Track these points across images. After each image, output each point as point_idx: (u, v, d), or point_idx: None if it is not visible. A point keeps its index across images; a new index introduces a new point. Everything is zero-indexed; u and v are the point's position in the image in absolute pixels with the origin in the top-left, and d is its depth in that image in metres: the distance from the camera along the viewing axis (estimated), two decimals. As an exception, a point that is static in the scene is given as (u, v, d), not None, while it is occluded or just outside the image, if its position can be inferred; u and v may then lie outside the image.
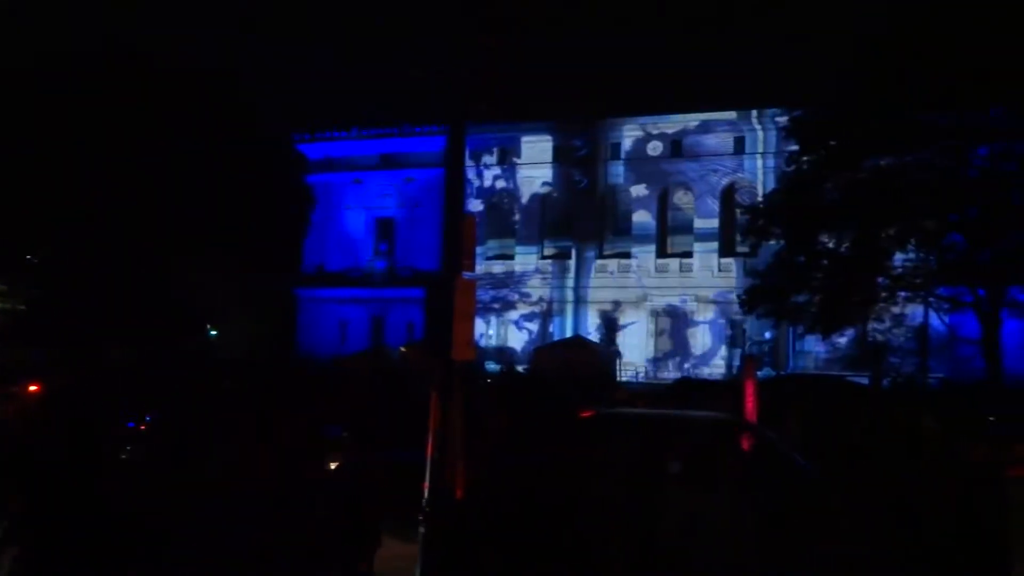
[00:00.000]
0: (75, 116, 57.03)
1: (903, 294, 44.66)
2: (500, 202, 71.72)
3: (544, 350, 58.78)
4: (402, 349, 53.59)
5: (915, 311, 49.59)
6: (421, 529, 10.84)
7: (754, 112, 63.43)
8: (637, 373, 61.99)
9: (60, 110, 57.25)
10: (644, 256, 67.22)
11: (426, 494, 10.81)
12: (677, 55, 72.81)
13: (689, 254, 66.60)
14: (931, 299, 45.60)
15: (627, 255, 68.08)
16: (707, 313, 64.89)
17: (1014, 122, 40.04)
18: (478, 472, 11.73)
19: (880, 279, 43.21)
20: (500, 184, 71.11)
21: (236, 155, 62.88)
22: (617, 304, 67.14)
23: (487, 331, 67.63)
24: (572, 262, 68.95)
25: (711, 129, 65.74)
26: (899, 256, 43.90)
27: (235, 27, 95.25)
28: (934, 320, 48.24)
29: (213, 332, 68.93)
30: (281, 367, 44.64)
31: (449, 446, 10.73)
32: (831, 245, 44.28)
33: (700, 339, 64.98)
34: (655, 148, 67.24)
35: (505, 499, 11.47)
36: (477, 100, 11.99)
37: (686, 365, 62.76)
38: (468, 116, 11.98)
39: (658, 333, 66.50)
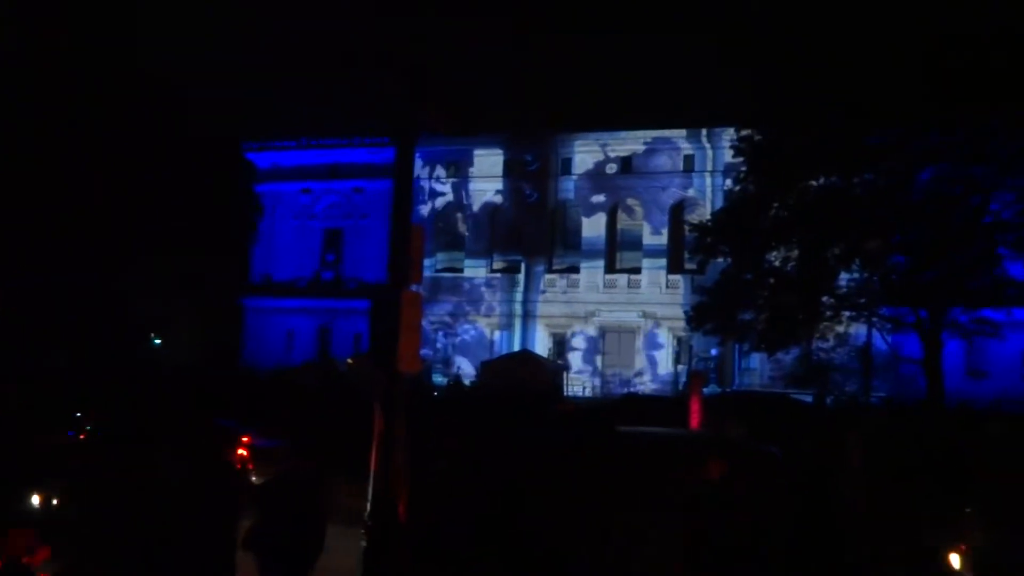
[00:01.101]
0: (16, 118, 56.17)
1: (847, 313, 45.13)
2: (450, 214, 71.65)
3: (491, 364, 58.73)
4: (349, 361, 53.32)
5: (859, 331, 50.21)
6: (363, 542, 10.76)
7: (703, 130, 64.03)
8: (584, 388, 62.13)
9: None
10: (593, 271, 67.49)
11: (368, 506, 10.73)
12: (629, 72, 73.29)
13: (637, 270, 66.96)
14: (874, 319, 46.12)
15: (576, 270, 68.32)
16: (654, 329, 65.26)
17: (957, 146, 40.65)
18: (427, 489, 11.68)
19: (824, 298, 43.66)
20: (450, 196, 71.05)
21: (184, 162, 62.28)
22: (565, 319, 67.33)
23: (435, 343, 67.50)
24: (521, 276, 69.03)
25: (661, 147, 66.22)
26: (844, 276, 44.36)
27: (183, 34, 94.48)
28: (877, 340, 48.80)
29: (157, 341, 68.15)
30: (221, 379, 44.29)
31: (393, 458, 10.66)
32: (777, 263, 44.68)
33: (647, 355, 65.32)
34: (605, 164, 67.63)
35: (456, 517, 11.39)
36: (426, 111, 11.97)
37: (633, 380, 63.05)
38: (417, 127, 11.95)
39: (605, 348, 66.74)
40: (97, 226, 57.24)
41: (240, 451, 19.06)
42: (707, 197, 64.04)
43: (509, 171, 69.69)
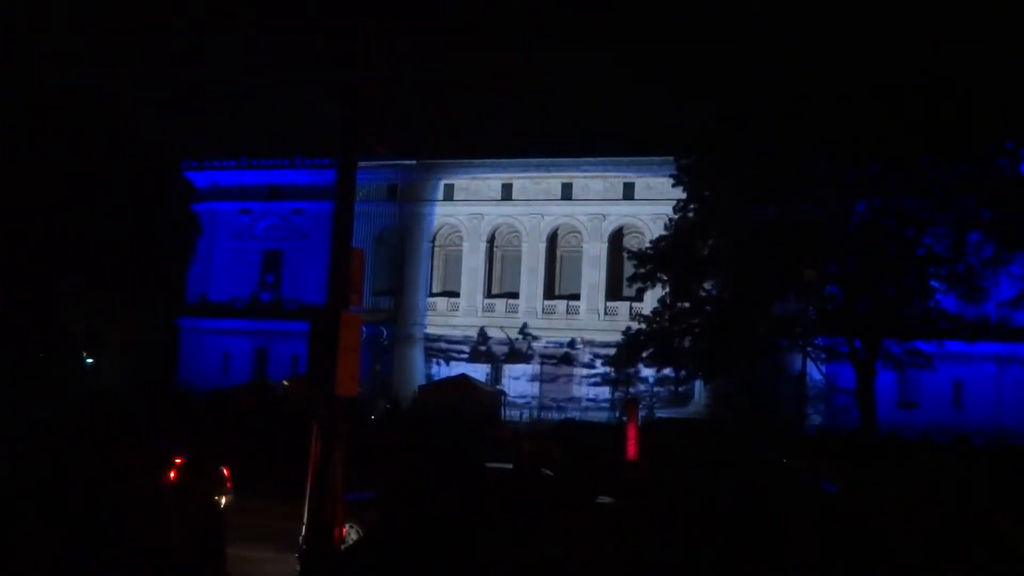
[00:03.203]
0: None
1: (783, 342, 45.58)
2: (390, 238, 71.31)
3: (430, 388, 58.50)
4: (285, 383, 52.84)
5: (795, 359, 50.73)
6: (297, 567, 10.64)
7: (644, 158, 64.23)
8: (521, 413, 62.05)
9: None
10: (531, 297, 67.57)
11: (304, 529, 10.61)
12: (570, 98, 73.72)
13: (576, 296, 67.14)
14: (809, 348, 46.62)
15: (515, 295, 68.34)
16: (592, 355, 65.42)
17: (891, 179, 41.38)
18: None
19: (760, 327, 44.07)
20: (391, 220, 70.73)
21: (120, 178, 61.38)
22: (504, 344, 67.27)
23: (375, 366, 67.04)
24: (461, 300, 68.94)
25: (601, 173, 66.50)
26: (780, 305, 44.82)
27: (123, 50, 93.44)
28: (812, 369, 49.36)
29: (89, 360, 66.92)
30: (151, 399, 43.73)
31: (330, 480, 10.55)
32: (714, 292, 45.08)
33: (584, 381, 65.44)
34: (545, 191, 67.79)
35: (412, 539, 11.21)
36: (372, 138, 11.96)
37: (570, 406, 63.09)
38: (358, 150, 11.91)
39: (543, 374, 66.77)
40: (26, 241, 56.17)
41: (173, 472, 18.79)
42: (647, 225, 64.23)
43: (450, 195, 69.66)
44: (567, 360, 66.35)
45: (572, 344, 66.10)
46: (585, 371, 65.69)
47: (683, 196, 46.52)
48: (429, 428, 34.90)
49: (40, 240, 56.54)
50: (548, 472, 17.20)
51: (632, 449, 23.33)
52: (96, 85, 65.64)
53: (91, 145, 60.11)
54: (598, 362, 65.22)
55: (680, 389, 61.20)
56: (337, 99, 11.71)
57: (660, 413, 55.31)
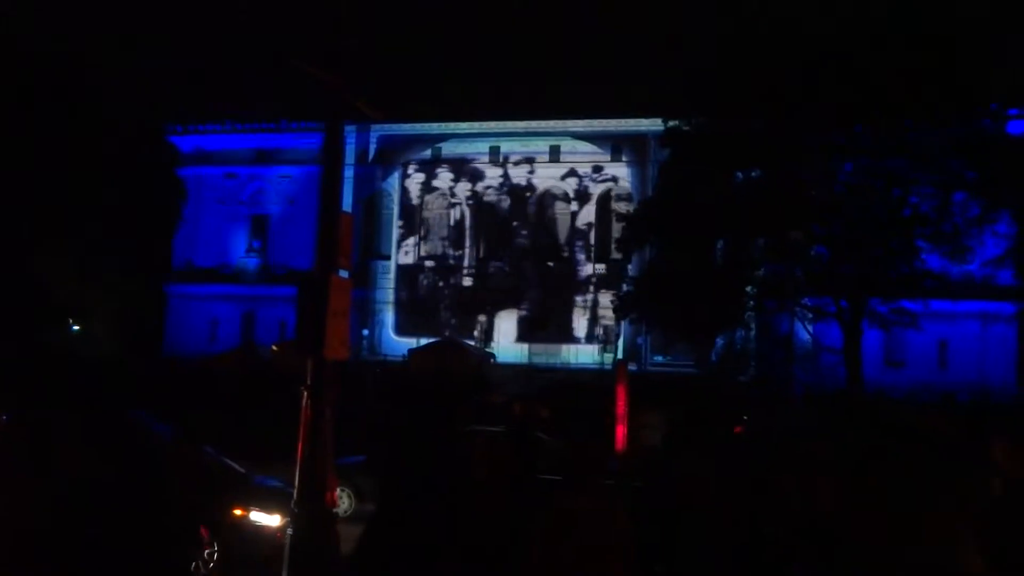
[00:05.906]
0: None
1: (770, 303, 45.73)
2: (378, 201, 71.23)
3: (419, 351, 58.58)
4: (273, 347, 52.88)
5: (782, 320, 50.93)
6: (289, 531, 10.66)
7: (630, 120, 64.21)
8: (510, 375, 62.11)
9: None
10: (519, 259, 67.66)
11: (295, 492, 10.63)
12: (551, 59, 73.51)
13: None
14: (796, 309, 46.79)
15: (503, 257, 68.39)
16: (580, 317, 65.59)
17: (877, 140, 41.34)
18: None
19: (748, 288, 44.18)
20: (379, 183, 70.59)
21: (101, 143, 60.87)
22: (492, 306, 67.36)
23: (363, 331, 67.13)
24: (450, 263, 68.98)
25: (588, 135, 66.44)
26: (767, 267, 44.92)
27: (104, 14, 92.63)
28: (799, 329, 49.54)
29: (75, 327, 66.76)
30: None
31: (320, 447, 10.57)
32: (701, 254, 45.08)
33: (574, 343, 65.61)
34: (533, 152, 67.67)
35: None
36: (356, 98, 11.88)
37: (560, 368, 63.31)
38: (346, 111, 11.85)
39: (533, 336, 66.94)
40: (7, 208, 55.74)
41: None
42: (634, 186, 64.36)
43: (435, 159, 69.51)
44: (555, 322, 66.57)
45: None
46: (574, 333, 65.86)
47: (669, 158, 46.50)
48: (414, 393, 35.03)
49: (22, 207, 56.15)
50: (542, 435, 17.19)
51: (622, 409, 23.44)
52: (77, 50, 65.04)
53: (73, 110, 59.61)
54: (585, 323, 65.44)
55: (669, 350, 61.45)
56: (322, 62, 11.62)
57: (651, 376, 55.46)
